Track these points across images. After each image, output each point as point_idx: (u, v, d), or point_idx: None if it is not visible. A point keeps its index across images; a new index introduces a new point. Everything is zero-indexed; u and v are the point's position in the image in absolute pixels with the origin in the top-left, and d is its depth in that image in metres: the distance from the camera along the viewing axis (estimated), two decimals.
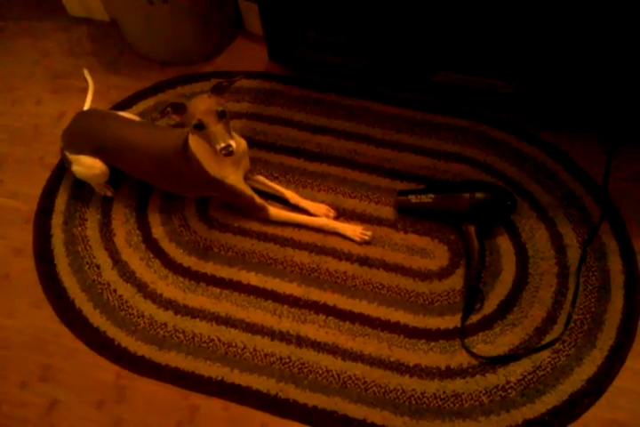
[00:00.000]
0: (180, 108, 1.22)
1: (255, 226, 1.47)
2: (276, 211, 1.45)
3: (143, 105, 1.72)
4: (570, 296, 1.34)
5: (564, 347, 1.28)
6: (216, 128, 1.19)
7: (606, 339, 1.29)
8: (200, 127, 1.20)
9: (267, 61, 1.78)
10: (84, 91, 1.70)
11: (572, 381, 1.24)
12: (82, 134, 1.44)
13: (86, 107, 1.63)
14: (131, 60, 1.85)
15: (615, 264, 1.38)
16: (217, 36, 1.82)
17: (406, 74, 1.63)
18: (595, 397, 1.23)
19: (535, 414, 1.21)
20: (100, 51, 1.88)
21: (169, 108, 1.22)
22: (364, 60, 1.62)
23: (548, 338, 1.29)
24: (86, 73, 1.77)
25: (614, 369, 1.25)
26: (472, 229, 1.38)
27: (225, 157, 1.21)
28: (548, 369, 1.25)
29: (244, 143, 1.39)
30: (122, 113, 1.54)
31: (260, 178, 1.50)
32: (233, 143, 1.19)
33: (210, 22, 1.74)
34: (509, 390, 1.24)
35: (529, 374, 1.25)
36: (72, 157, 1.44)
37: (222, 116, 1.21)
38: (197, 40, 1.77)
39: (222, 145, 1.18)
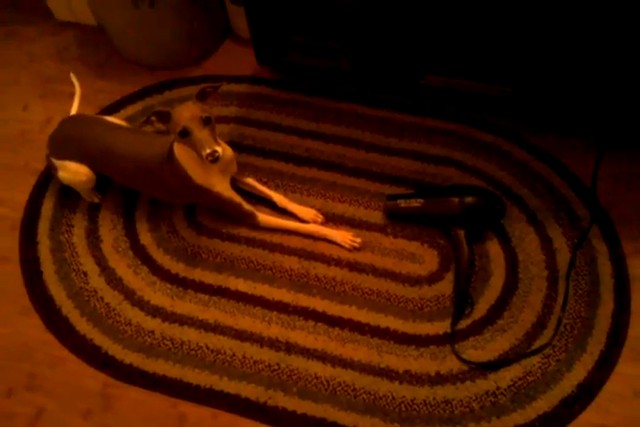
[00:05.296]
0: (164, 117, 1.20)
1: (244, 231, 1.46)
2: (264, 217, 1.44)
3: (131, 109, 1.71)
4: (560, 300, 1.34)
5: (555, 352, 1.27)
6: (201, 134, 1.18)
7: (596, 343, 1.28)
8: (185, 134, 1.19)
9: (255, 65, 1.77)
10: (72, 96, 1.68)
11: (563, 386, 1.23)
12: (68, 140, 1.43)
13: (73, 111, 1.61)
14: (118, 64, 1.84)
15: (605, 268, 1.38)
16: (205, 40, 1.81)
17: (394, 77, 1.62)
18: (585, 402, 1.22)
19: (526, 420, 1.20)
20: (87, 55, 1.87)
21: (153, 117, 1.20)
22: (352, 64, 1.61)
23: (538, 343, 1.29)
24: (73, 77, 1.75)
25: (605, 374, 1.25)
26: (461, 233, 1.37)
27: (211, 163, 1.20)
28: (539, 374, 1.25)
29: (229, 150, 1.38)
30: (109, 118, 1.53)
31: (250, 180, 1.49)
32: (219, 149, 1.18)
33: (197, 26, 1.72)
34: (500, 396, 1.23)
35: (519, 379, 1.25)
36: (58, 162, 1.42)
37: (207, 122, 1.19)
38: (185, 44, 1.76)
39: (208, 151, 1.17)
